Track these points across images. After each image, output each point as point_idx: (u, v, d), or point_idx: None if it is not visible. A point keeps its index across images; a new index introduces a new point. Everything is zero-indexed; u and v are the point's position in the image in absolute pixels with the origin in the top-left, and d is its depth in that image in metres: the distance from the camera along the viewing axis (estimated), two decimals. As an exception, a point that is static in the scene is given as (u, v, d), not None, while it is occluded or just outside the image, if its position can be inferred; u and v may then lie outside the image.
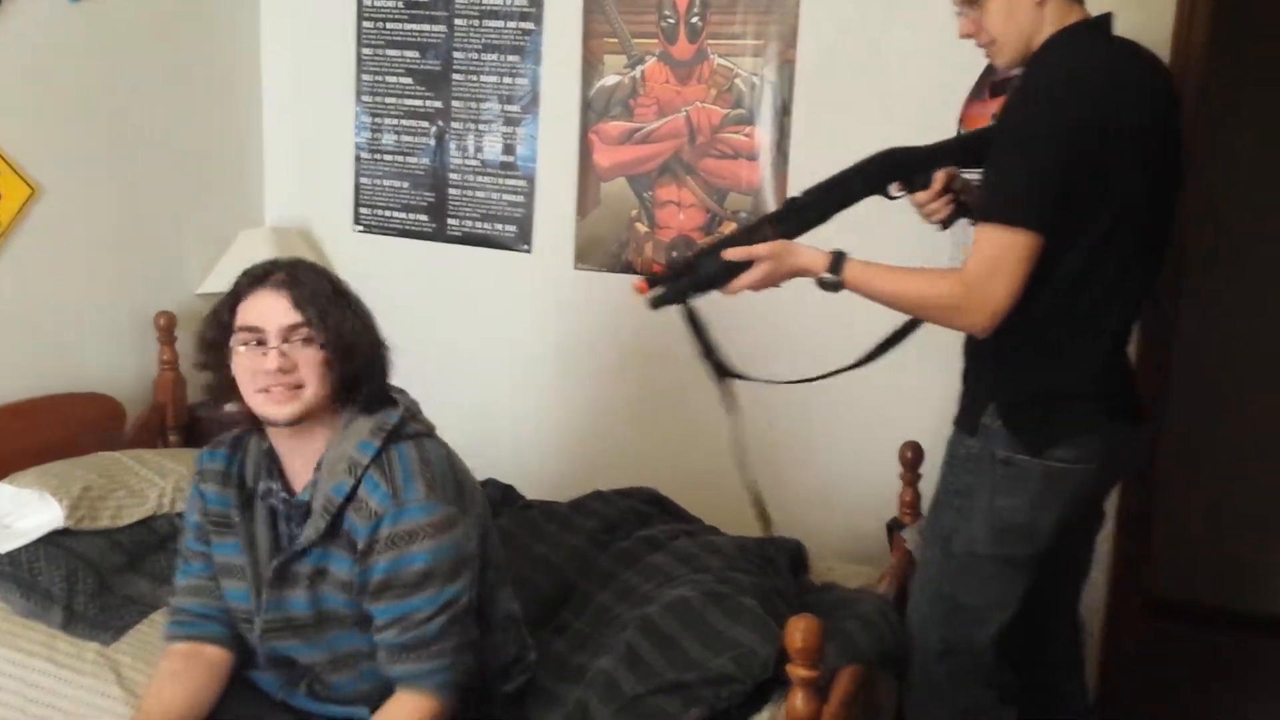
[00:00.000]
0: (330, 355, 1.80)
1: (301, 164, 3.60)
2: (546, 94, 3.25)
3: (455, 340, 3.45)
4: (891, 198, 2.11)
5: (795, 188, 2.97)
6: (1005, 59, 2.02)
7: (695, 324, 2.07)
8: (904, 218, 2.24)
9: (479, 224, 3.40)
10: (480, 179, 3.38)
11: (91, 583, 2.39)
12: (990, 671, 2.14)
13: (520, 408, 3.40)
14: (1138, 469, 2.68)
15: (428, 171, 3.45)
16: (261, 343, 1.79)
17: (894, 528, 2.58)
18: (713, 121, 3.07)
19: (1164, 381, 2.80)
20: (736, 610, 2.11)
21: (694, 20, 3.05)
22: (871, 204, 2.10)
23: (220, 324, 1.83)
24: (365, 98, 3.50)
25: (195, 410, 3.26)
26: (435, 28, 3.37)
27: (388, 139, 3.49)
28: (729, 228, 3.06)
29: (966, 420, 2.05)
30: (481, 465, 2.29)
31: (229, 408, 2.60)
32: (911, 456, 2.62)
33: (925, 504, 2.52)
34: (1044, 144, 1.83)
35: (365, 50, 3.48)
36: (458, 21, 3.34)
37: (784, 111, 2.98)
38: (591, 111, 3.21)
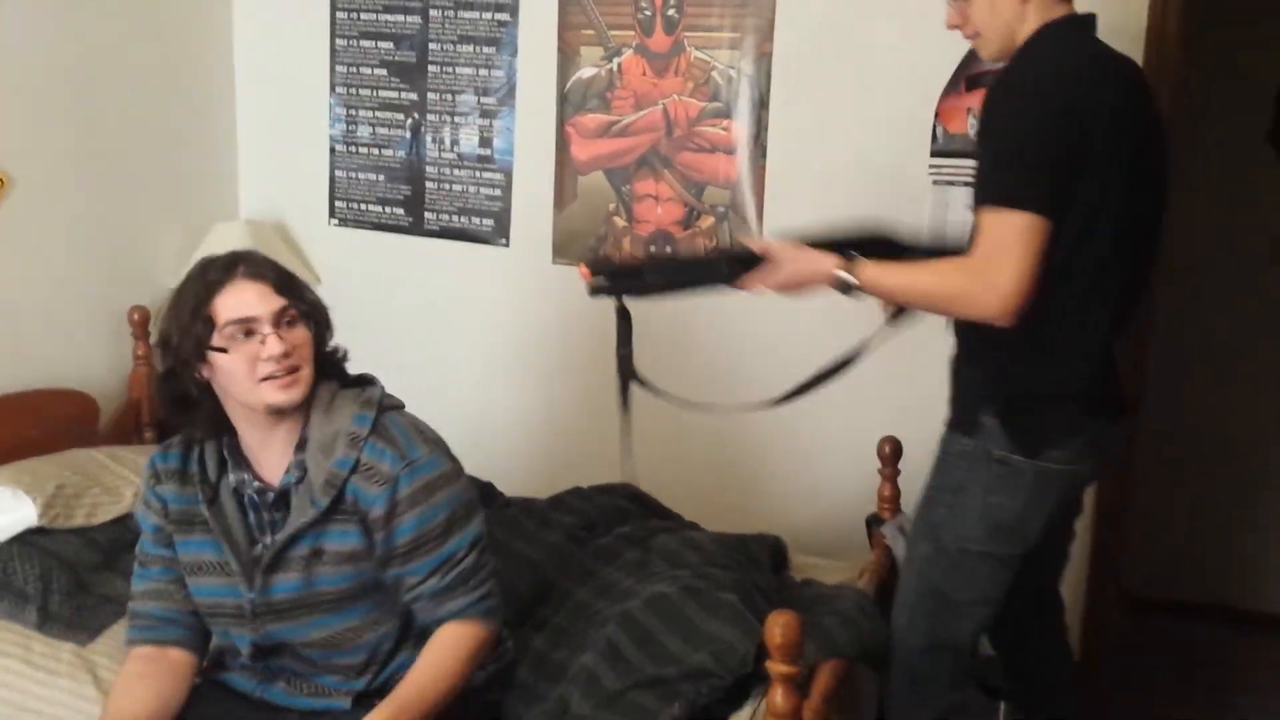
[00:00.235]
0: (313, 333, 1.86)
1: (276, 157, 3.57)
2: (523, 86, 3.24)
3: (432, 335, 3.43)
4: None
5: (772, 181, 3.00)
6: (990, 51, 2.04)
7: (625, 322, 2.11)
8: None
9: (456, 218, 3.38)
10: (457, 172, 3.36)
11: (66, 582, 2.37)
12: (971, 667, 2.16)
13: (497, 403, 3.39)
14: (1115, 463, 2.70)
15: (404, 164, 3.43)
16: (252, 333, 1.79)
17: (873, 523, 2.59)
18: (690, 114, 3.06)
19: (1141, 378, 2.82)
20: (716, 605, 2.12)
21: (670, 12, 3.04)
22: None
23: (202, 322, 1.79)
24: (340, 89, 3.47)
25: (170, 406, 3.23)
26: (410, 19, 3.34)
27: (363, 131, 3.47)
28: (706, 222, 3.06)
29: (963, 420, 2.05)
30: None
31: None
32: (890, 451, 2.62)
33: (904, 499, 2.53)
34: (1033, 134, 1.84)
35: (339, 41, 3.45)
36: (433, 13, 3.31)
37: (761, 104, 2.98)
38: (568, 104, 3.19)
